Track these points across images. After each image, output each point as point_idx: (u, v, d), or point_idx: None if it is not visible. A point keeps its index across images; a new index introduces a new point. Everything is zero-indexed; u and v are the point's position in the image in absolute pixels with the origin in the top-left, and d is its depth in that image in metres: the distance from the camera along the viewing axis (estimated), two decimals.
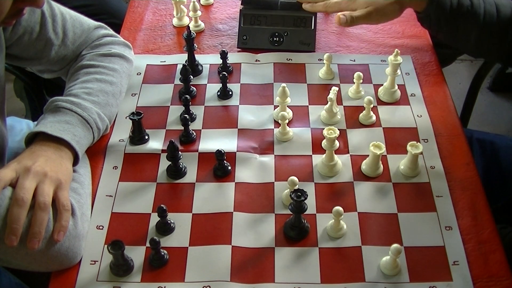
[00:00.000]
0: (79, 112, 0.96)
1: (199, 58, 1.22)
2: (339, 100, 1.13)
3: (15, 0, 0.80)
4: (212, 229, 0.91)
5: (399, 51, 1.10)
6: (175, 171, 0.99)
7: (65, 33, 1.06)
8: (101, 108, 1.00)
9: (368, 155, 0.99)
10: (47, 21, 1.03)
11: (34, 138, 0.92)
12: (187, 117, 1.03)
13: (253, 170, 1.00)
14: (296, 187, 0.89)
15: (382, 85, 1.15)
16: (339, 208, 0.87)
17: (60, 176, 0.86)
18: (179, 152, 0.98)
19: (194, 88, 1.16)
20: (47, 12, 1.03)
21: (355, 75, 1.12)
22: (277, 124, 1.08)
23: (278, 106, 1.09)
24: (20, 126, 1.19)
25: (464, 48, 1.20)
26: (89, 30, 1.11)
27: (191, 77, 1.12)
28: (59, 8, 1.07)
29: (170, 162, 0.98)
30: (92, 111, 0.98)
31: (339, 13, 1.16)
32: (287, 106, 1.08)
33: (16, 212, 0.78)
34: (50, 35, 1.04)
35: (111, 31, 1.17)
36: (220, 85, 1.15)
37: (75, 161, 0.94)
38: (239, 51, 1.26)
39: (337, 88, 1.08)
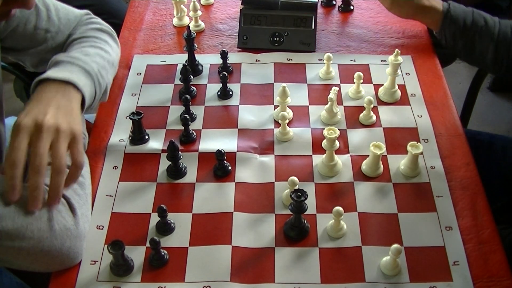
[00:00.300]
0: (80, 64, 0.95)
1: (199, 58, 1.22)
2: (339, 100, 1.13)
3: (4, 2, 0.80)
4: (212, 229, 0.91)
5: (399, 51, 1.10)
6: (175, 171, 0.99)
7: (60, 20, 1.06)
8: (99, 68, 0.99)
9: (368, 155, 0.99)
10: (41, 11, 1.03)
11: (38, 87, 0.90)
12: (187, 117, 1.03)
13: (253, 170, 1.00)
14: (296, 187, 0.89)
15: (382, 85, 1.15)
16: (339, 208, 0.87)
17: (73, 127, 0.84)
18: (179, 152, 0.98)
19: (194, 88, 1.16)
20: (39, 2, 1.03)
21: (355, 75, 1.12)
22: (277, 124, 1.08)
23: (278, 106, 1.09)
24: None
25: (481, 65, 1.25)
26: (80, 15, 1.11)
27: (191, 77, 1.12)
28: None
29: (170, 162, 0.98)
30: (93, 66, 0.97)
31: None
32: (287, 106, 1.08)
33: (35, 181, 0.77)
34: (46, 23, 1.04)
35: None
36: (220, 85, 1.15)
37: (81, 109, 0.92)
38: (239, 51, 1.26)
39: (337, 88, 1.08)
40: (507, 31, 1.15)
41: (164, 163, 1.01)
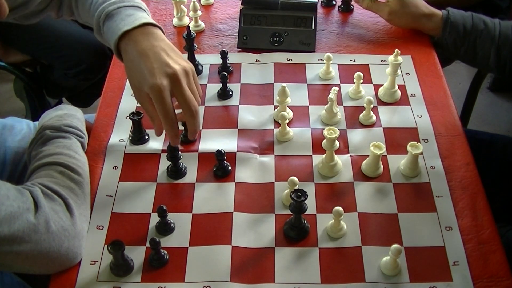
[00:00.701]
0: (126, 4, 0.95)
1: (199, 58, 1.22)
2: (339, 100, 1.13)
3: None
4: (212, 229, 0.91)
5: (399, 51, 1.10)
6: (175, 171, 0.99)
7: None
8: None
9: (368, 155, 0.99)
10: None
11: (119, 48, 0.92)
12: None
13: (253, 170, 1.00)
14: (296, 187, 0.89)
15: (382, 85, 1.15)
16: (339, 208, 0.87)
17: (188, 63, 0.90)
18: (179, 152, 0.98)
19: None
20: None
21: (355, 75, 1.12)
22: (277, 124, 1.08)
23: (278, 106, 1.09)
24: (20, 126, 1.19)
25: (485, 68, 1.26)
26: None
27: None
28: None
29: (170, 162, 0.98)
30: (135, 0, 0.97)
31: None
32: (287, 106, 1.08)
33: (194, 123, 0.88)
34: None
35: None
36: (220, 85, 1.15)
37: None
38: (239, 51, 1.26)
39: (337, 88, 1.08)
40: (508, 32, 1.15)
41: (164, 163, 1.01)
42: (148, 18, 0.93)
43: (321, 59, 1.21)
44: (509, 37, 1.14)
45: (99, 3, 0.98)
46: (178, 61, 0.88)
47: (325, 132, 0.96)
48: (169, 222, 0.91)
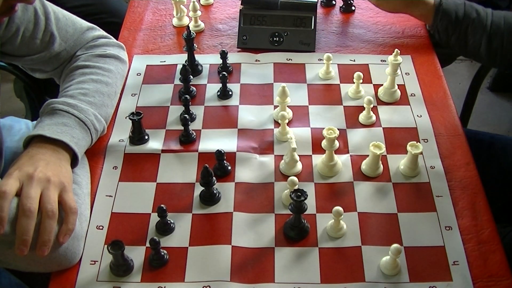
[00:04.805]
0: (76, 114, 0.96)
1: (199, 58, 1.22)
2: (339, 100, 1.13)
3: None
4: (212, 229, 0.91)
5: (399, 51, 1.10)
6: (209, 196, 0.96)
7: (58, 32, 1.06)
8: (97, 109, 1.00)
9: (368, 155, 0.99)
10: (40, 19, 1.02)
11: (31, 141, 0.92)
12: (187, 117, 1.03)
13: (253, 170, 1.00)
14: (296, 187, 0.89)
15: (382, 85, 1.15)
16: (339, 208, 0.87)
17: (63, 179, 0.86)
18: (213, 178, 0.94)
19: (194, 88, 1.16)
20: (40, 10, 1.02)
21: (355, 75, 1.12)
22: (277, 124, 1.08)
23: (278, 106, 1.09)
24: (18, 126, 1.19)
25: (476, 57, 1.24)
26: (81, 30, 1.10)
27: (191, 77, 1.12)
28: (51, 6, 1.06)
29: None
30: (89, 113, 0.98)
31: None
32: (287, 106, 1.08)
33: (25, 223, 0.78)
34: (43, 33, 1.03)
35: (104, 33, 1.16)
36: (220, 85, 1.15)
37: (74, 162, 0.93)
38: (239, 51, 1.26)
39: (293, 137, 1.02)
40: (499, 22, 1.14)
41: (164, 163, 1.01)
42: (71, 140, 0.92)
43: (321, 59, 1.21)
44: (501, 27, 1.14)
45: (63, 92, 1.01)
46: (50, 172, 0.85)
47: (325, 132, 0.96)
48: (169, 222, 0.91)
